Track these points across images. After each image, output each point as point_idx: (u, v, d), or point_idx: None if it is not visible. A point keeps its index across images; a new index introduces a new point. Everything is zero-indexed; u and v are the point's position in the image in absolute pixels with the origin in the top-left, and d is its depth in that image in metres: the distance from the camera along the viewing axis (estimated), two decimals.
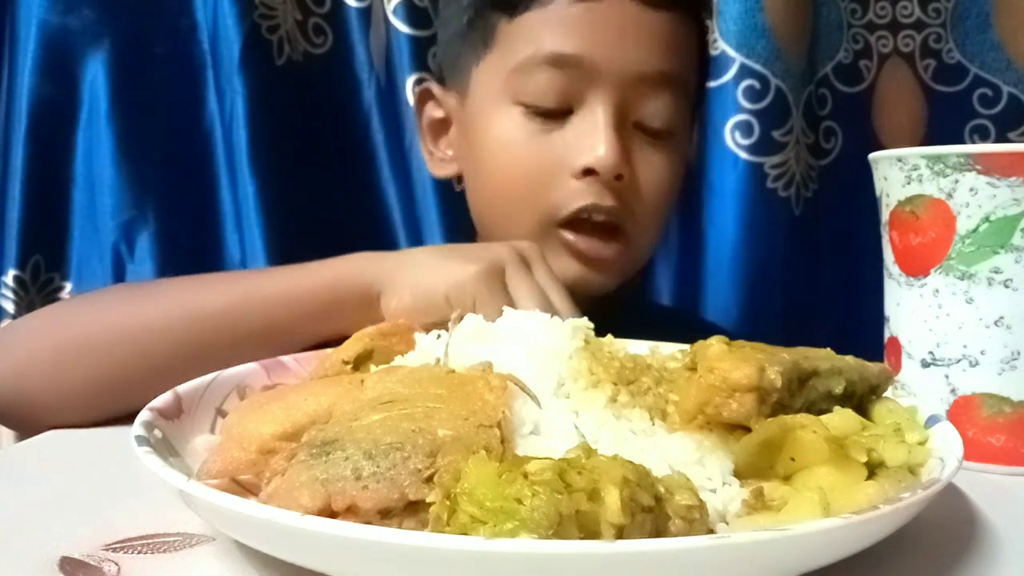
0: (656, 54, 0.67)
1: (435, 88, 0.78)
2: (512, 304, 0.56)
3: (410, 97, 0.96)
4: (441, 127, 0.78)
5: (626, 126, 0.67)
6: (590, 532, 0.29)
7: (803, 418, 0.38)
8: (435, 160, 0.80)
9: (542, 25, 0.67)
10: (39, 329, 0.62)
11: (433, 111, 0.78)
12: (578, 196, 0.66)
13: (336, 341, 0.51)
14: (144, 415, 0.40)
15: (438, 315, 0.56)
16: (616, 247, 0.69)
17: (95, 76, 0.89)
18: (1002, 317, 0.49)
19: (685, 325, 0.92)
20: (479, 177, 0.73)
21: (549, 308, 0.57)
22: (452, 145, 0.78)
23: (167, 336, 0.58)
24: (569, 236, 0.68)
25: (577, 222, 0.68)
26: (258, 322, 0.58)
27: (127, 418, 0.51)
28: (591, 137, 0.65)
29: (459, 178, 0.79)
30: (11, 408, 0.59)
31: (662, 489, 0.32)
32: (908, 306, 0.53)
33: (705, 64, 0.78)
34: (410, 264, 0.60)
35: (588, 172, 0.66)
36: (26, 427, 0.59)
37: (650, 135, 0.69)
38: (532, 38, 0.67)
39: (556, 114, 0.67)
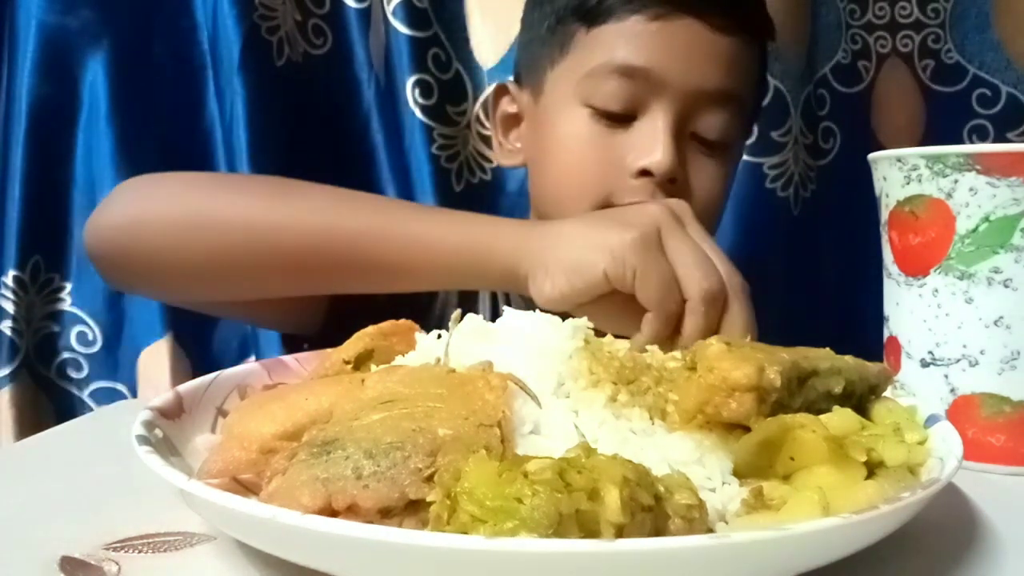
0: (718, 73, 0.71)
1: (511, 85, 0.83)
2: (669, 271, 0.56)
3: (409, 97, 0.96)
4: (513, 121, 0.83)
5: (684, 135, 0.72)
6: (590, 531, 0.29)
7: (803, 418, 0.38)
8: (504, 150, 0.84)
9: (617, 37, 0.72)
10: (178, 191, 0.63)
11: (507, 106, 0.83)
12: (632, 192, 0.70)
13: (337, 341, 0.51)
14: (144, 415, 0.40)
15: (597, 293, 0.56)
16: None
17: (95, 76, 0.89)
18: (1002, 317, 0.49)
19: None
20: (544, 168, 0.78)
21: (710, 269, 0.57)
22: (521, 138, 0.82)
23: (303, 240, 0.58)
24: None
25: None
26: (392, 256, 0.59)
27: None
28: (651, 142, 0.70)
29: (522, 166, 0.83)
30: (126, 261, 0.61)
31: (662, 488, 0.32)
32: (908, 306, 0.53)
33: (763, 84, 0.83)
34: (561, 241, 0.59)
35: (644, 173, 0.70)
36: (130, 284, 0.60)
37: (705, 146, 0.73)
38: (606, 48, 0.72)
39: (620, 118, 0.72)
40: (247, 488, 0.38)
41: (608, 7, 0.73)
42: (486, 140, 0.99)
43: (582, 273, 0.56)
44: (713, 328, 0.57)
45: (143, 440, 0.37)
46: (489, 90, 0.88)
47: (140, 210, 0.61)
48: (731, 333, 0.56)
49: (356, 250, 0.58)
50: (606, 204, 0.71)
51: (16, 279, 0.87)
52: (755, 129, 1.01)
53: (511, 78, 0.84)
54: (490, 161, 1.00)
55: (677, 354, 0.45)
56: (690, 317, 0.56)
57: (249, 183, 0.69)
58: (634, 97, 0.71)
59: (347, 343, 0.49)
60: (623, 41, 0.72)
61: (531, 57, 0.80)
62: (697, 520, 0.32)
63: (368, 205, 0.64)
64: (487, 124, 0.93)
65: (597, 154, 0.72)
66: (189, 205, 0.61)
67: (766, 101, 1.00)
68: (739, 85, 0.74)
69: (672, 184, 0.70)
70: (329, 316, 0.74)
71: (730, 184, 0.79)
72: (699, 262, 0.57)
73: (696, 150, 0.73)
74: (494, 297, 0.80)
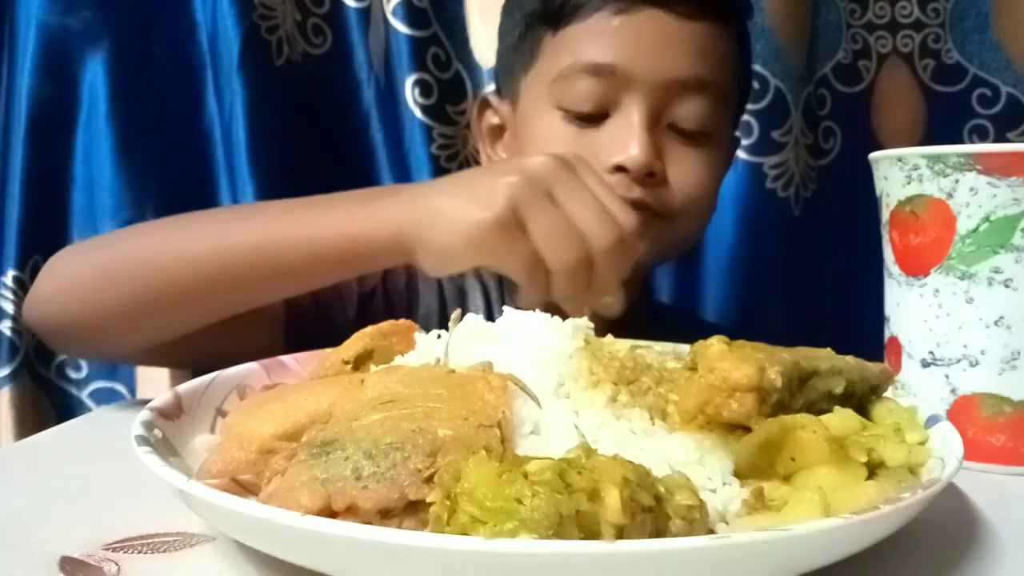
0: (689, 61, 0.70)
1: (492, 97, 0.83)
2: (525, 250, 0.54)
3: (409, 97, 0.96)
4: (498, 133, 0.82)
5: (660, 128, 0.71)
6: (590, 532, 0.29)
7: (803, 418, 0.38)
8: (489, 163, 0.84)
9: (581, 37, 0.72)
10: (86, 254, 0.66)
11: (491, 118, 0.83)
12: None
13: (336, 341, 0.51)
14: (144, 415, 0.40)
15: (474, 265, 0.57)
16: (645, 216, 0.69)
17: (95, 76, 0.89)
18: (1002, 317, 0.49)
19: (693, 327, 0.92)
20: None
21: (606, 218, 0.55)
22: (506, 149, 0.82)
23: (194, 268, 0.59)
24: None
25: None
26: (282, 262, 0.59)
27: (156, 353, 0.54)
28: (625, 137, 0.69)
29: None
30: (59, 328, 0.64)
31: (662, 489, 0.32)
32: (908, 306, 0.53)
33: (746, 68, 0.81)
34: (434, 218, 0.57)
35: (619, 168, 0.69)
36: (72, 348, 0.62)
37: (685, 136, 0.72)
38: (572, 49, 0.72)
39: (593, 118, 0.71)
40: (246, 489, 0.38)
41: (571, 8, 0.72)
42: None
43: (450, 259, 0.56)
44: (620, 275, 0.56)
45: (142, 440, 0.37)
46: (473, 104, 0.88)
47: (57, 281, 0.64)
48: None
49: (252, 264, 0.59)
50: None
51: (16, 279, 0.86)
52: (755, 128, 1.01)
53: (492, 89, 0.84)
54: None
55: (670, 360, 0.45)
56: (575, 277, 0.55)
57: (150, 227, 0.71)
58: (604, 95, 0.70)
59: (346, 343, 0.49)
60: (588, 40, 0.71)
61: (506, 66, 0.80)
62: (698, 521, 0.32)
63: (256, 217, 0.64)
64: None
65: (569, 150, 0.71)
66: (97, 263, 0.63)
67: (766, 101, 1.01)
68: (714, 71, 0.72)
69: (650, 178, 0.70)
70: (288, 337, 0.71)
71: (719, 173, 0.77)
72: (595, 210, 0.55)
73: (675, 141, 0.72)
74: (487, 298, 0.80)
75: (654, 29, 0.70)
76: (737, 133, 0.85)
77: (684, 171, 0.72)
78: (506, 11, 0.80)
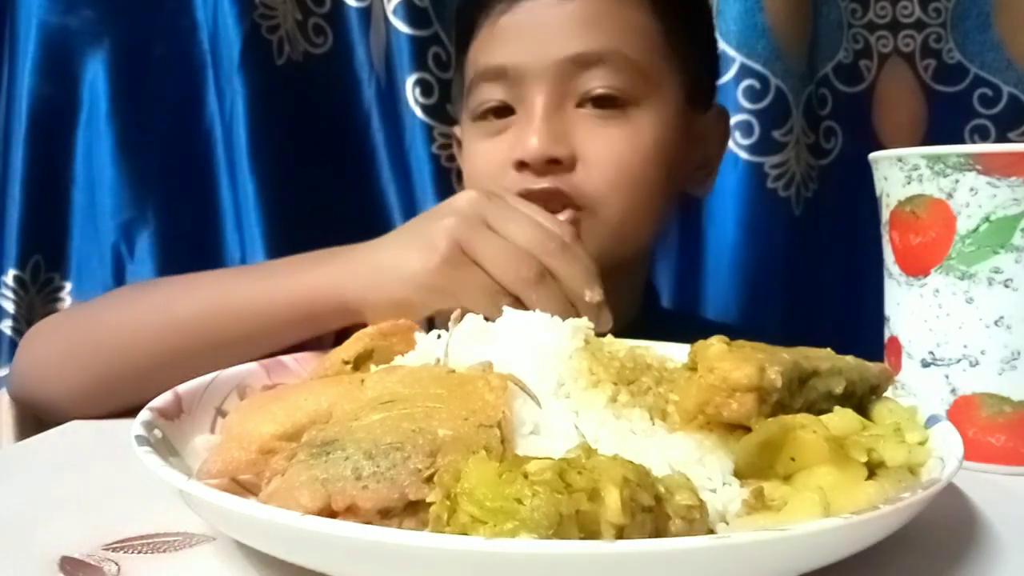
0: (576, 38, 0.68)
1: (457, 131, 0.83)
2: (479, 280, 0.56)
3: (410, 97, 0.96)
4: None
5: (565, 110, 0.69)
6: (590, 532, 0.29)
7: (803, 418, 0.38)
8: None
9: (478, 49, 0.74)
10: (50, 332, 0.69)
11: (459, 152, 0.83)
12: (513, 185, 0.68)
13: (335, 342, 0.51)
14: (144, 415, 0.40)
15: (427, 314, 0.57)
16: (569, 214, 0.68)
17: (95, 76, 0.89)
18: (1002, 317, 0.49)
19: (701, 331, 0.90)
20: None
21: (544, 229, 0.57)
22: None
23: (144, 343, 0.62)
24: None
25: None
26: (230, 332, 0.60)
27: (133, 412, 0.53)
28: (525, 131, 0.68)
29: None
30: (32, 403, 0.68)
31: (662, 489, 0.32)
32: (908, 306, 0.53)
33: (678, 42, 0.74)
34: (379, 274, 0.58)
35: (522, 165, 0.68)
36: (49, 418, 0.63)
37: (597, 107, 0.69)
38: (473, 61, 0.74)
39: (502, 115, 0.72)
40: (246, 488, 0.38)
41: (468, 24, 0.74)
42: None
43: (402, 310, 0.56)
44: (578, 277, 0.57)
45: (142, 440, 0.37)
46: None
47: (28, 361, 0.68)
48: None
49: (196, 336, 0.60)
50: None
51: (16, 278, 0.86)
52: (756, 128, 1.01)
53: (456, 127, 0.85)
54: None
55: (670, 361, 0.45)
56: (540, 290, 0.56)
57: (106, 302, 0.72)
58: (506, 95, 0.71)
59: (346, 343, 0.49)
60: (481, 50, 0.73)
61: (456, 97, 0.82)
62: (698, 521, 0.32)
63: (198, 289, 0.65)
64: None
65: (484, 159, 0.73)
66: (59, 345, 0.66)
67: (767, 101, 1.01)
68: (611, 41, 0.69)
69: (556, 164, 0.67)
70: None
71: (649, 151, 0.70)
72: (530, 231, 0.57)
73: (588, 119, 0.69)
74: None
75: (534, 18, 0.69)
76: (722, 106, 0.83)
77: (595, 149, 0.69)
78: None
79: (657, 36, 0.72)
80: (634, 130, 0.70)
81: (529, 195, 0.66)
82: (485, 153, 0.73)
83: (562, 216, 0.67)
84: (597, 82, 0.69)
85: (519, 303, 0.55)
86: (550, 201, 0.67)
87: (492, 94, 0.71)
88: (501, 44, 0.71)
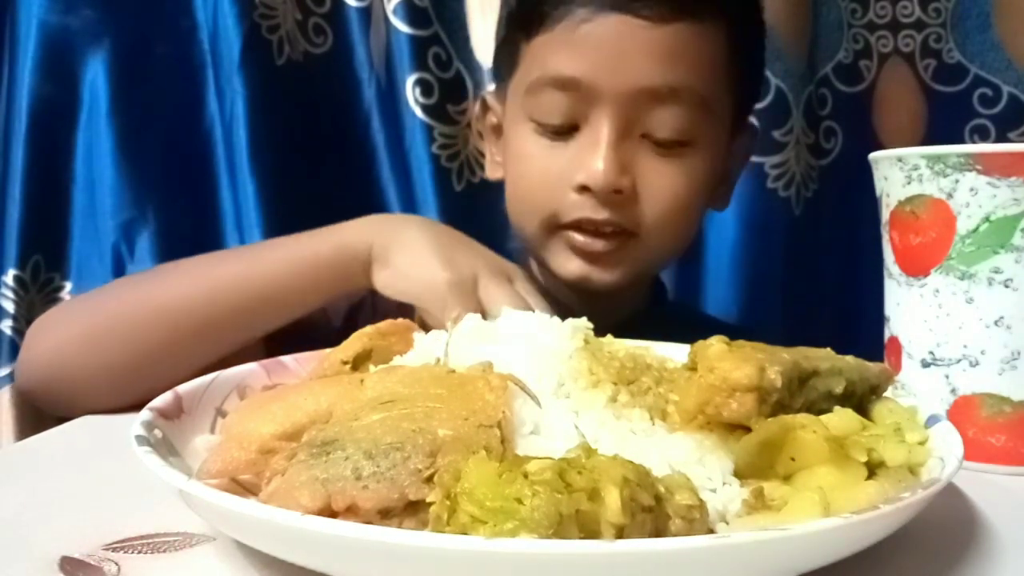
0: (656, 68, 0.67)
1: (490, 98, 0.82)
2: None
3: (410, 97, 0.96)
4: (500, 131, 0.80)
5: (631, 139, 0.68)
6: (590, 532, 0.29)
7: (803, 418, 0.38)
8: (491, 163, 0.83)
9: (548, 48, 0.69)
10: (71, 315, 0.68)
11: (491, 117, 0.81)
12: (575, 208, 0.69)
13: (335, 341, 0.51)
14: (144, 415, 0.40)
15: (419, 301, 0.63)
16: (616, 243, 0.70)
17: (95, 76, 0.89)
18: (1002, 317, 0.49)
19: (708, 326, 0.90)
20: (507, 183, 0.77)
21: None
22: (501, 151, 0.80)
23: (186, 314, 0.62)
24: (570, 234, 0.71)
25: (579, 226, 0.70)
26: (258, 296, 0.64)
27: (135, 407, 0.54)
28: (591, 154, 0.67)
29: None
30: (49, 391, 0.65)
31: (662, 489, 0.32)
32: (908, 306, 0.53)
33: (746, 67, 0.75)
34: (405, 247, 0.65)
35: (584, 188, 0.68)
36: (62, 409, 0.63)
37: (661, 147, 0.69)
38: (541, 60, 0.70)
39: (563, 131, 0.70)
40: (246, 488, 0.38)
41: (539, 16, 0.69)
42: None
43: (404, 288, 0.64)
44: None
45: (142, 440, 0.37)
46: (474, 103, 0.87)
47: (42, 347, 0.66)
48: None
49: (229, 305, 0.63)
50: (552, 222, 0.70)
51: (16, 278, 0.86)
52: (756, 127, 1.01)
53: (492, 88, 0.83)
54: None
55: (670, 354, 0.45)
56: None
57: (128, 281, 0.74)
58: (572, 108, 0.68)
59: (345, 343, 0.49)
60: (553, 51, 0.69)
61: (498, 66, 0.79)
62: (698, 521, 0.32)
63: (220, 261, 0.68)
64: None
65: (541, 171, 0.71)
66: (79, 328, 0.65)
67: (767, 101, 1.01)
68: (689, 76, 0.67)
69: (618, 195, 0.67)
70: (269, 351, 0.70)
71: (700, 185, 0.72)
72: (512, 305, 0.59)
73: (649, 153, 0.69)
74: None
75: (618, 37, 0.66)
76: (753, 123, 0.82)
77: (657, 185, 0.69)
78: (500, 7, 0.79)
79: (726, 66, 0.71)
80: (692, 167, 0.70)
81: (589, 224, 0.69)
82: (542, 162, 0.71)
83: (609, 246, 0.70)
84: (667, 121, 0.68)
85: None
86: (610, 235, 0.70)
87: (559, 104, 0.68)
88: (580, 55, 0.67)
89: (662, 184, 0.69)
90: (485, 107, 0.82)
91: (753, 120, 0.90)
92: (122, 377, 0.61)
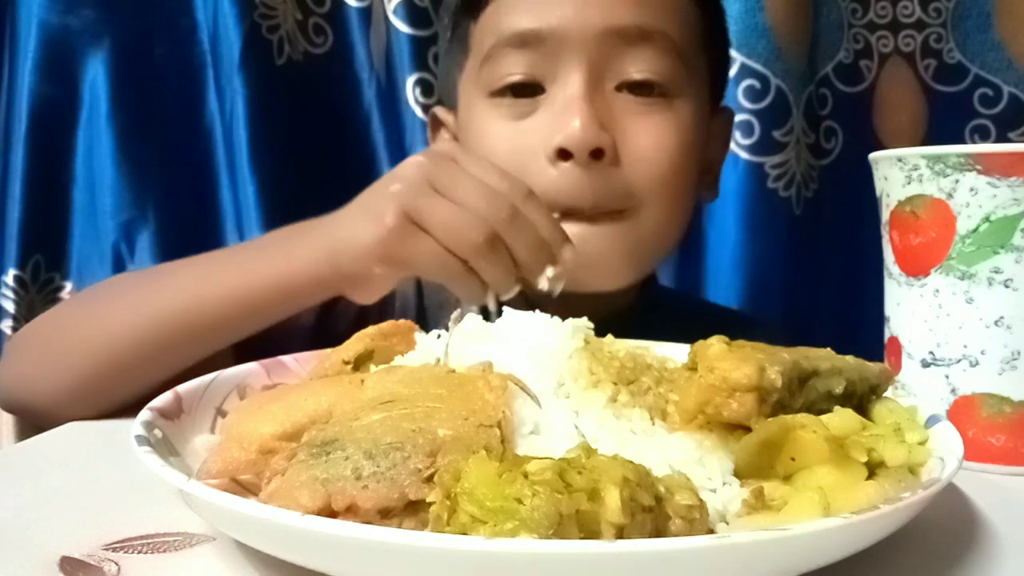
0: (624, 7, 0.62)
1: (439, 111, 0.77)
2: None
3: (410, 96, 0.96)
4: None
5: (604, 89, 0.63)
6: (590, 532, 0.29)
7: (803, 418, 0.38)
8: None
9: (500, 12, 0.65)
10: (34, 335, 0.66)
11: (444, 132, 0.77)
12: (554, 187, 0.62)
13: (335, 341, 0.51)
14: (144, 415, 0.40)
15: (392, 285, 0.56)
16: (614, 227, 0.64)
17: (95, 76, 0.89)
18: (1002, 317, 0.49)
19: (700, 312, 0.90)
20: None
21: (493, 193, 0.52)
22: None
23: (124, 339, 0.58)
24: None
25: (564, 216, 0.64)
26: (210, 320, 0.58)
27: (124, 410, 0.55)
28: (564, 113, 0.61)
29: None
30: (23, 408, 0.65)
31: (662, 489, 0.32)
32: (908, 306, 0.53)
33: (715, 33, 0.71)
34: (338, 251, 0.55)
35: (564, 154, 0.61)
36: (40, 423, 0.61)
37: (639, 96, 0.63)
38: (494, 28, 0.65)
39: (528, 94, 0.64)
40: (246, 488, 0.38)
41: None
42: None
43: (372, 282, 0.55)
44: (531, 242, 0.53)
45: (142, 440, 0.36)
46: (428, 124, 0.83)
47: (15, 367, 0.64)
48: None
49: (180, 326, 0.58)
50: None
51: (16, 278, 0.87)
52: (756, 128, 1.01)
53: (439, 108, 0.78)
54: None
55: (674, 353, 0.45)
56: (490, 256, 0.52)
57: (85, 299, 0.69)
58: (535, 66, 0.62)
59: (346, 343, 0.49)
60: (506, 12, 0.64)
61: (445, 73, 0.75)
62: (698, 521, 0.32)
63: (181, 278, 0.61)
64: None
65: (509, 151, 0.64)
66: (44, 347, 0.62)
67: (767, 101, 1.01)
68: (658, 20, 0.63)
69: (600, 158, 0.60)
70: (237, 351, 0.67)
71: (688, 147, 0.66)
72: (480, 195, 0.52)
73: (629, 105, 0.63)
74: None
75: None
76: (729, 107, 0.79)
77: (642, 143, 0.63)
78: (438, 17, 0.76)
79: (697, 24, 0.67)
80: (677, 122, 0.64)
81: (576, 212, 0.62)
82: (508, 139, 0.64)
83: (606, 235, 0.62)
84: (642, 64, 0.62)
85: (471, 268, 0.52)
86: (604, 216, 0.63)
87: (517, 65, 0.63)
88: (537, 6, 0.62)
89: (647, 141, 0.63)
90: (437, 123, 0.78)
91: (750, 118, 0.90)
92: (78, 396, 0.58)
